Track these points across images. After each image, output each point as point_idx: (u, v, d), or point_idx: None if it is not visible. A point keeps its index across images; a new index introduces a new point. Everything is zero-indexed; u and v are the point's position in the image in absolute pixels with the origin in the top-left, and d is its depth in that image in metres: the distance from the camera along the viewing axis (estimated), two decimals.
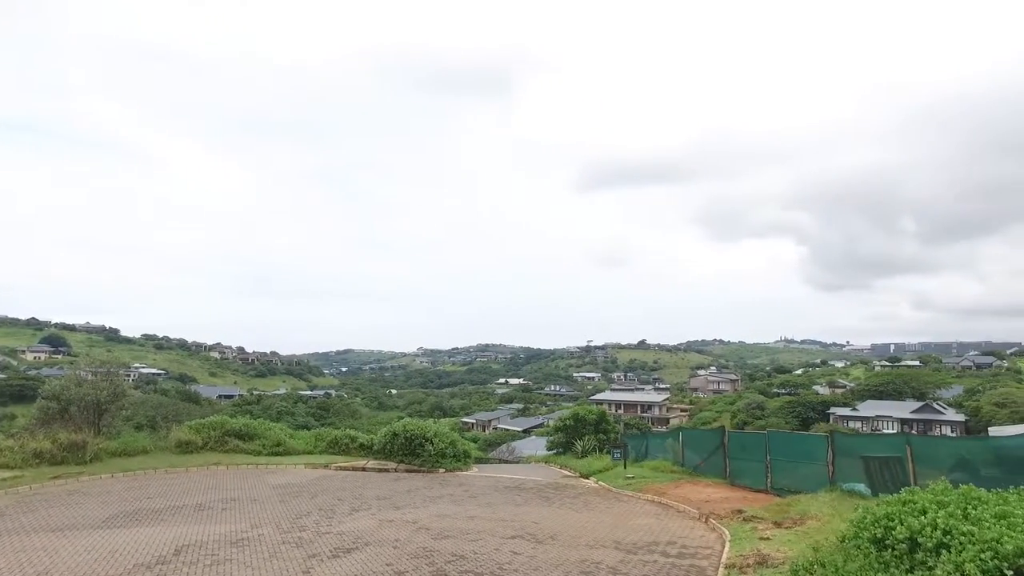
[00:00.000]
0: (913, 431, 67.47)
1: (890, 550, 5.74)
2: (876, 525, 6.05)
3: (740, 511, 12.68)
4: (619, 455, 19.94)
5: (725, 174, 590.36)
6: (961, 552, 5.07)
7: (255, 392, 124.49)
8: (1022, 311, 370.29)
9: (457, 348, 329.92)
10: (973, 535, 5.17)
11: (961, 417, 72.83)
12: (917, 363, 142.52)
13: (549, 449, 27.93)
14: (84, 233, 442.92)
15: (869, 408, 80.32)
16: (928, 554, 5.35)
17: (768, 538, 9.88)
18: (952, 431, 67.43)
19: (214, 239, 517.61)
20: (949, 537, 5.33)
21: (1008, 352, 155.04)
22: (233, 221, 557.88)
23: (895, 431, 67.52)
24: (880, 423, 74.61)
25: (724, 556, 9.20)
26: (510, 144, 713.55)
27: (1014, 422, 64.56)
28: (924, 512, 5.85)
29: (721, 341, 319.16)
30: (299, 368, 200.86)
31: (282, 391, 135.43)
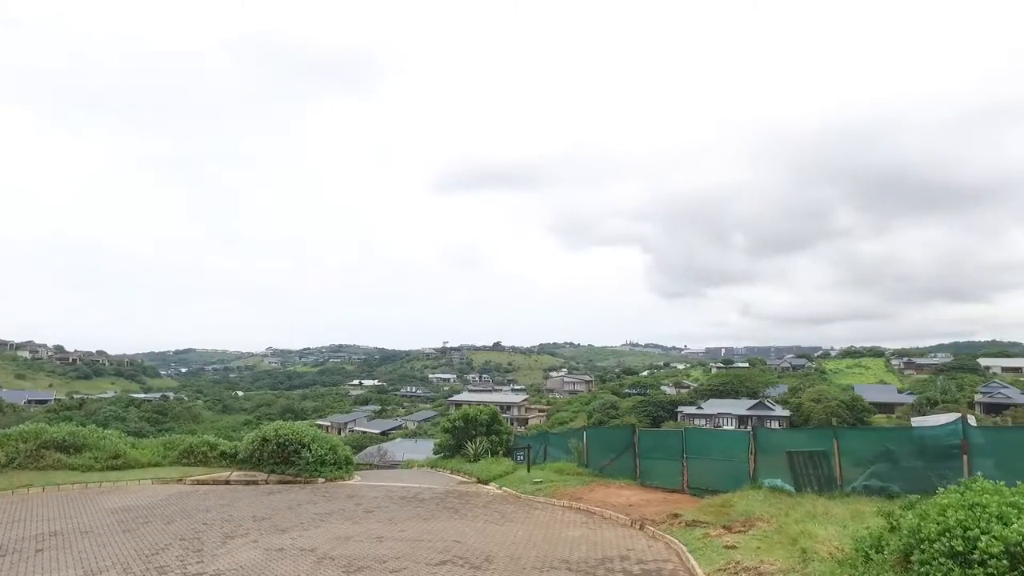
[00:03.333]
0: (749, 426, 74.22)
1: (979, 567, 4.79)
2: (949, 535, 5.11)
3: (676, 515, 11.83)
4: (522, 458, 18.63)
5: (579, 184, 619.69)
6: None
7: (76, 396, 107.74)
8: (824, 319, 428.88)
9: (308, 348, 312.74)
10: None
11: (787, 412, 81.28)
12: (746, 365, 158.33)
13: (436, 452, 25.99)
14: None
15: (712, 406, 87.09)
16: None
17: (734, 546, 8.95)
18: (779, 425, 74.90)
19: (32, 224, 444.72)
20: None
21: (815, 355, 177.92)
22: (59, 205, 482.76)
23: (733, 427, 73.76)
24: (722, 420, 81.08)
25: (701, 573, 8.09)
26: (368, 140, 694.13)
27: (826, 415, 73.42)
28: (1003, 519, 5.02)
29: (572, 344, 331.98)
30: (131, 369, 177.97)
31: (110, 394, 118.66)
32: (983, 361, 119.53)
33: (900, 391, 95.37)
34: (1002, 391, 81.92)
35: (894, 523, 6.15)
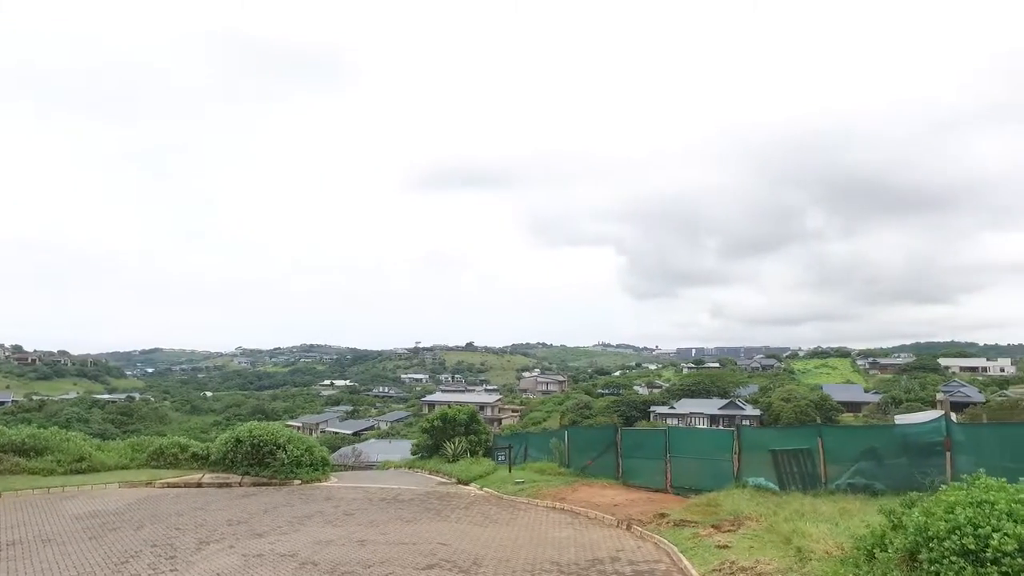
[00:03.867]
0: (721, 425, 75.16)
1: (993, 565, 4.73)
2: (959, 533, 5.04)
3: (663, 515, 11.71)
4: (503, 458, 18.38)
5: (553, 185, 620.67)
6: None
7: (35, 397, 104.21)
8: (793, 320, 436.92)
9: (279, 348, 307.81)
10: None
11: (757, 412, 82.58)
12: (717, 365, 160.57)
13: (414, 453, 25.60)
14: None
15: (684, 406, 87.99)
16: None
17: (726, 546, 8.85)
18: (750, 424, 76.00)
19: None
20: None
21: (784, 355, 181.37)
22: (21, 203, 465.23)
23: (706, 426, 74.61)
24: (694, 419, 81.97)
25: (695, 573, 7.95)
26: (340, 140, 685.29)
27: (796, 414, 74.78)
28: (1014, 516, 4.97)
29: (544, 344, 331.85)
30: (95, 369, 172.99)
31: (73, 395, 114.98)
32: (943, 361, 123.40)
33: (866, 390, 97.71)
34: (961, 390, 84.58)
35: (896, 521, 6.07)
